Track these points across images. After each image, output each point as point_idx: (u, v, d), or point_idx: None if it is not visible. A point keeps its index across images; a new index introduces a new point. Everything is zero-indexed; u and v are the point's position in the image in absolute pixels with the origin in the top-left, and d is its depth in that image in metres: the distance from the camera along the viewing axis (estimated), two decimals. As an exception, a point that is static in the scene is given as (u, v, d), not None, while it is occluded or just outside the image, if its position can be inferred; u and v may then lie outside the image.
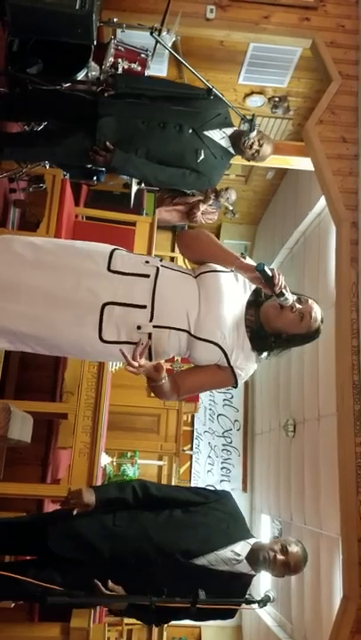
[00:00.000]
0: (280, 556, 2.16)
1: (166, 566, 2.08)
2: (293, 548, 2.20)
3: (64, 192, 3.59)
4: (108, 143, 2.61)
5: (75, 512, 2.20)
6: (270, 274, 1.73)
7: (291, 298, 1.78)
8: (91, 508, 2.21)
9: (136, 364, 1.70)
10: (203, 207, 6.47)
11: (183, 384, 1.91)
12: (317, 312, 1.85)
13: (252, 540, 2.24)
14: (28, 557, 2.32)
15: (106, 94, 2.91)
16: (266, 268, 1.73)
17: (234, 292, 1.86)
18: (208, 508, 2.27)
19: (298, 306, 1.80)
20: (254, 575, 2.19)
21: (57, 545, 2.16)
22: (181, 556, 2.11)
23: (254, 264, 1.79)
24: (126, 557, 2.11)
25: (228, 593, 2.04)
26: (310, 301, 1.85)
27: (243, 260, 1.85)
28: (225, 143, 2.79)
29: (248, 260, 1.87)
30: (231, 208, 6.69)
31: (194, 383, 1.92)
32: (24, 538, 2.32)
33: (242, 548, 2.19)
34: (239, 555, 2.16)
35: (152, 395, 5.46)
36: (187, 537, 2.15)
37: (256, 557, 2.17)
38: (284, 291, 1.75)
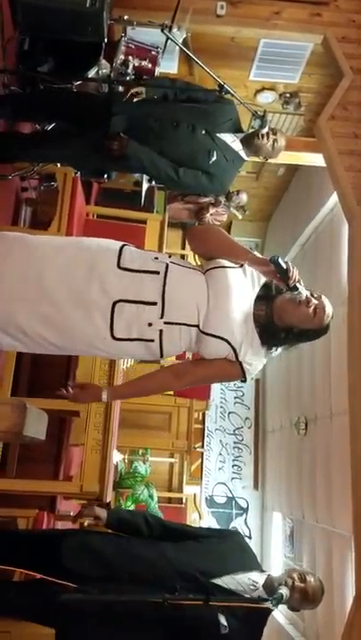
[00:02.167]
0: (299, 583, 2.10)
1: (187, 585, 1.99)
2: (310, 578, 2.15)
3: (75, 190, 3.60)
4: (121, 134, 2.60)
5: (86, 523, 2.18)
6: (285, 266, 1.73)
7: (304, 292, 1.77)
8: (102, 522, 2.19)
9: None
10: (212, 210, 6.48)
11: (189, 373, 1.90)
12: (329, 308, 1.84)
13: (266, 573, 2.20)
14: (37, 576, 2.24)
15: (135, 100, 2.87)
16: (280, 260, 1.72)
17: (242, 287, 1.85)
18: (220, 539, 2.25)
19: (313, 301, 1.80)
20: (272, 610, 2.07)
21: (71, 561, 2.07)
22: (200, 574, 2.06)
23: (266, 257, 1.79)
24: (143, 576, 2.03)
25: (246, 620, 1.96)
26: (323, 297, 1.84)
27: (255, 253, 1.85)
28: (236, 147, 2.77)
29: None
30: (240, 217, 6.72)
31: (201, 374, 1.91)
32: (34, 554, 2.20)
33: (258, 576, 2.14)
34: (256, 582, 2.10)
35: (164, 392, 5.50)
36: (204, 559, 2.11)
37: (273, 586, 2.09)
38: (298, 284, 1.74)
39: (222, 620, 1.78)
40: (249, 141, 2.79)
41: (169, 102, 2.74)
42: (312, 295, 1.81)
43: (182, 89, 2.83)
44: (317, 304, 1.80)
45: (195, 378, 1.92)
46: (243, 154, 2.81)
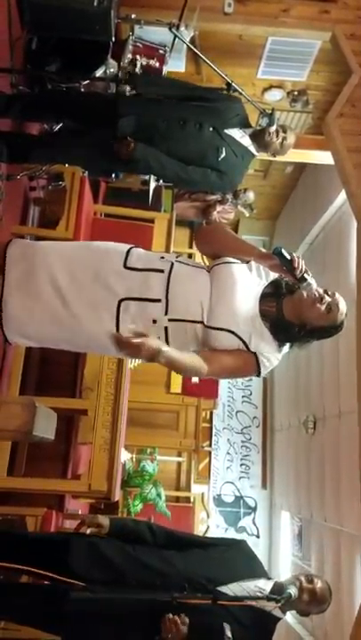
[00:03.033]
0: (307, 584, 2.07)
1: (194, 592, 1.97)
2: (318, 580, 2.12)
3: (83, 190, 3.61)
4: (128, 138, 2.61)
5: (88, 531, 2.15)
6: (289, 257, 1.73)
7: (314, 283, 1.77)
8: (104, 530, 2.16)
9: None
10: (220, 208, 6.48)
11: (214, 359, 1.84)
12: (343, 305, 1.84)
13: (273, 580, 2.15)
14: (47, 575, 2.22)
15: (127, 90, 2.89)
16: (283, 251, 1.72)
17: (246, 282, 1.86)
18: (227, 547, 2.22)
19: (327, 298, 1.80)
20: (280, 619, 2.05)
21: (78, 562, 2.04)
22: (207, 581, 2.02)
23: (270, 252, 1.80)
24: (150, 582, 1.99)
25: (253, 628, 1.93)
26: (337, 294, 1.84)
27: (261, 249, 1.85)
28: (245, 142, 2.76)
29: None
30: (247, 215, 6.72)
31: (223, 361, 1.86)
32: (39, 555, 2.15)
33: (265, 583, 2.09)
34: (263, 589, 2.04)
35: (171, 391, 5.51)
36: (210, 566, 2.08)
37: (281, 590, 2.02)
38: (305, 275, 1.74)
39: (227, 630, 1.75)
40: (257, 138, 2.78)
41: (176, 101, 2.73)
42: (326, 292, 1.81)
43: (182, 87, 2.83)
44: (331, 301, 1.80)
45: (218, 365, 1.85)
46: (252, 149, 2.79)
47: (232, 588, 2.02)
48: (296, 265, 1.74)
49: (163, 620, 1.81)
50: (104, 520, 2.17)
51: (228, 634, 1.73)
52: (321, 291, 1.80)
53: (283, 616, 2.03)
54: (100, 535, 2.14)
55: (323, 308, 1.79)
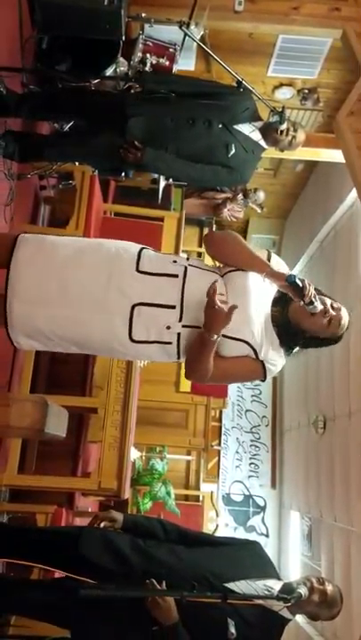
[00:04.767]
0: (317, 585, 2.01)
1: (199, 587, 1.91)
2: (329, 583, 2.08)
3: (93, 189, 3.62)
4: (136, 143, 2.61)
5: (102, 525, 2.16)
6: (301, 284, 1.74)
7: (319, 306, 1.78)
8: (117, 524, 2.17)
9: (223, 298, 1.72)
10: (230, 206, 6.47)
11: (215, 366, 1.85)
12: (345, 320, 1.86)
13: (283, 580, 2.11)
14: (57, 573, 2.23)
15: (132, 91, 2.90)
16: (297, 280, 1.74)
17: (261, 289, 1.86)
18: (238, 547, 2.22)
19: (331, 312, 1.81)
20: (289, 620, 2.01)
21: (89, 549, 2.05)
22: (213, 576, 2.00)
23: (285, 272, 1.80)
24: (157, 575, 1.97)
25: (260, 628, 1.91)
26: (342, 309, 1.85)
27: (273, 268, 1.84)
28: (255, 136, 2.76)
29: (277, 261, 1.88)
30: (259, 211, 6.72)
31: (224, 369, 1.87)
32: (51, 551, 2.16)
33: (274, 583, 2.04)
34: (272, 588, 1.99)
35: (181, 390, 5.51)
36: (218, 563, 2.07)
37: (291, 588, 1.96)
38: (313, 299, 1.75)
39: (231, 627, 1.74)
40: (267, 133, 2.78)
41: (184, 99, 2.73)
42: (332, 306, 1.82)
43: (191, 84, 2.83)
44: (334, 316, 1.81)
45: (219, 373, 1.88)
46: (263, 143, 2.79)
47: (240, 586, 1.99)
48: (306, 292, 1.74)
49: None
50: (118, 515, 2.18)
51: (232, 630, 1.72)
52: (327, 303, 1.81)
53: (292, 617, 1.99)
54: (113, 529, 2.16)
55: (324, 321, 1.80)
